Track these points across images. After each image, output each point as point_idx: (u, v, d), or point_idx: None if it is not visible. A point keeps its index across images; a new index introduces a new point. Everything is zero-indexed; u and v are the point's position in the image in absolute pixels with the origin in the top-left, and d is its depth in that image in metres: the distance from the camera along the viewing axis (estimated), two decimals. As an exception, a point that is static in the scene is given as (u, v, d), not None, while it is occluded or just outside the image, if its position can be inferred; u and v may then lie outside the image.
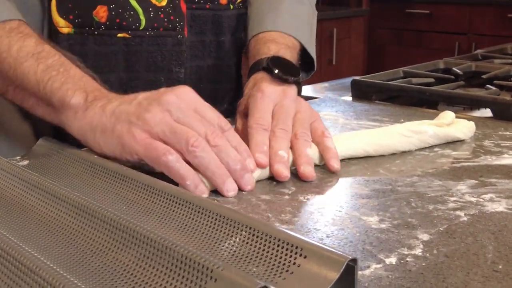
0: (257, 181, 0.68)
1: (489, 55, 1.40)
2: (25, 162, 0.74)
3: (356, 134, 0.80)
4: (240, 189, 0.65)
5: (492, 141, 0.84)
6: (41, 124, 0.79)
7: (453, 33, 3.43)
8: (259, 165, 0.69)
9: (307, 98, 1.17)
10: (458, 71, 1.21)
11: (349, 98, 1.13)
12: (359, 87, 1.13)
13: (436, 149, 0.81)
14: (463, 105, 1.06)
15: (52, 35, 0.83)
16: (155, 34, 0.87)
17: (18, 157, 0.76)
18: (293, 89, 0.81)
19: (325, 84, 1.30)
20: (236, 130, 0.78)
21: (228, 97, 1.01)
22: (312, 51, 0.98)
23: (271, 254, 0.48)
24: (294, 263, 0.46)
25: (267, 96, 0.77)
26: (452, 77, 1.19)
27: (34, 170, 0.68)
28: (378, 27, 3.66)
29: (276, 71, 0.81)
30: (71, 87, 0.70)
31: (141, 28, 0.86)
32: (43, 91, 0.71)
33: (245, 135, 0.73)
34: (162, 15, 0.87)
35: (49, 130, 0.81)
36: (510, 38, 2.66)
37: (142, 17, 0.86)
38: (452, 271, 0.50)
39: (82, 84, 0.71)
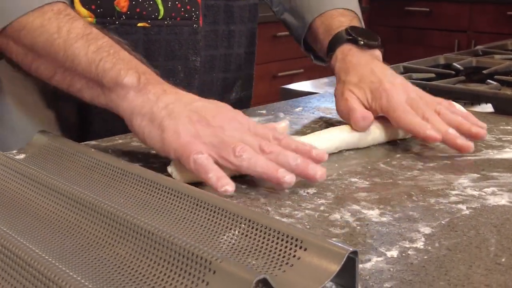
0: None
1: (490, 50, 1.39)
2: (22, 156, 0.73)
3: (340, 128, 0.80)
4: (310, 181, 0.64)
5: (493, 135, 0.84)
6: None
7: (453, 30, 3.42)
8: (433, 139, 0.73)
9: (307, 94, 1.16)
10: (458, 66, 1.20)
11: (349, 93, 1.12)
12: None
13: (437, 143, 0.80)
14: (464, 100, 1.05)
15: None
16: (172, 24, 0.89)
17: (14, 151, 0.75)
18: (377, 52, 0.87)
19: (325, 80, 1.30)
20: (348, 105, 0.80)
21: (236, 86, 1.03)
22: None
23: (271, 247, 0.47)
24: (294, 256, 0.45)
25: (396, 93, 0.79)
26: (453, 72, 1.18)
27: (31, 163, 0.67)
28: (378, 24, 3.65)
29: (360, 39, 0.86)
30: (123, 67, 0.70)
31: (159, 18, 0.88)
32: (95, 72, 0.71)
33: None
34: (179, 5, 0.89)
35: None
36: (509, 35, 2.65)
37: (160, 6, 0.87)
38: (454, 264, 0.49)
39: (133, 65, 0.71)
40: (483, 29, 3.32)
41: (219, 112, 0.66)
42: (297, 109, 0.99)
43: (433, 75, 1.15)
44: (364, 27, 0.96)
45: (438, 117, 0.77)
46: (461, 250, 0.51)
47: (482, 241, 0.53)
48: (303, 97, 1.11)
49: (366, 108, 0.80)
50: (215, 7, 0.95)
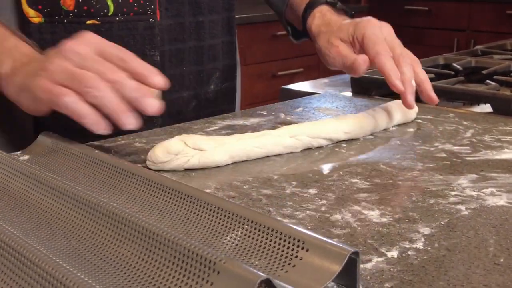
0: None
1: (489, 50, 1.40)
2: (26, 157, 0.74)
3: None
4: (145, 115, 0.68)
5: (492, 136, 0.84)
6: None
7: (452, 29, 3.43)
8: (399, 91, 0.82)
9: (307, 94, 1.17)
10: (457, 66, 1.21)
11: (349, 94, 1.13)
12: (359, 83, 1.12)
13: (436, 143, 0.81)
14: (463, 100, 1.06)
15: (24, 25, 0.85)
16: (125, 19, 0.88)
17: (18, 152, 0.76)
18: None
19: (325, 80, 1.30)
20: (334, 51, 0.89)
21: (214, 78, 1.02)
22: None
23: (273, 247, 0.48)
24: (297, 256, 0.46)
25: (379, 27, 0.88)
26: (452, 72, 1.19)
27: (35, 164, 0.68)
28: (377, 23, 3.67)
29: (338, 4, 0.96)
30: (3, 58, 0.74)
31: (110, 14, 0.87)
32: None
33: (346, 56, 0.87)
34: (131, 0, 0.88)
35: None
36: (509, 34, 2.66)
37: (110, 2, 0.87)
38: (453, 264, 0.50)
39: (13, 53, 0.75)
40: (482, 28, 3.32)
41: (65, 44, 0.69)
42: (298, 110, 1.00)
43: (432, 75, 1.15)
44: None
45: (408, 65, 0.85)
46: (460, 251, 0.52)
47: (481, 241, 0.54)
48: (303, 97, 1.12)
49: (352, 45, 0.89)
50: (179, 0, 0.94)
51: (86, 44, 0.69)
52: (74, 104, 0.66)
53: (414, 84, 0.85)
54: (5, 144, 0.88)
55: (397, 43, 0.87)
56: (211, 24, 0.99)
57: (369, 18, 0.90)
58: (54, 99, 0.67)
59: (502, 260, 0.50)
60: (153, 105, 0.67)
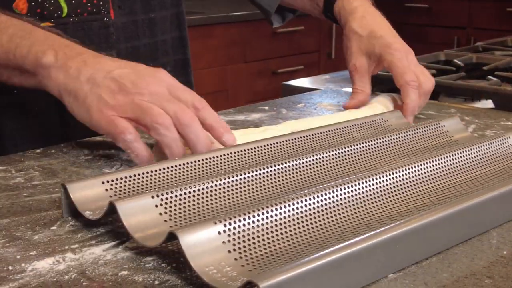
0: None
1: (490, 47, 1.40)
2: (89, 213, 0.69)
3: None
4: None
5: (494, 131, 0.84)
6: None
7: (452, 27, 3.43)
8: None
9: (308, 90, 1.17)
10: (459, 62, 1.21)
11: (350, 90, 1.13)
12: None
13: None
14: (464, 96, 1.06)
15: None
16: (79, 20, 0.87)
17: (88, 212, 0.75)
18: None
19: (326, 76, 1.30)
20: (354, 61, 0.93)
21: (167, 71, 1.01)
22: None
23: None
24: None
25: (405, 54, 0.90)
26: (453, 68, 1.19)
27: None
28: (377, 21, 3.67)
29: None
30: (39, 48, 0.71)
31: (63, 16, 0.86)
32: (14, 60, 0.72)
33: (362, 70, 0.92)
34: (84, 0, 0.87)
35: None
36: (509, 32, 2.66)
37: (63, 4, 0.86)
38: (457, 256, 0.50)
39: (50, 43, 0.72)
40: (482, 25, 3.32)
41: (138, 77, 0.67)
42: (299, 105, 1.00)
43: (434, 71, 1.16)
44: None
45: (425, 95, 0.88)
46: (463, 243, 0.52)
47: (483, 234, 0.54)
48: (305, 93, 1.12)
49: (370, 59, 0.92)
50: None
51: (160, 84, 0.67)
52: (131, 143, 0.65)
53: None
54: (30, 139, 0.87)
55: (419, 70, 0.89)
56: (162, 20, 0.99)
57: (395, 42, 0.92)
58: (112, 131, 0.66)
59: (505, 252, 0.51)
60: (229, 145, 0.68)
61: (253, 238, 0.46)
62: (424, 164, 0.60)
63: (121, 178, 0.59)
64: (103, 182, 0.58)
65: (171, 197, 0.53)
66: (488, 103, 1.01)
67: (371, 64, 0.93)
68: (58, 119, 0.86)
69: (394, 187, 0.56)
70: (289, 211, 0.49)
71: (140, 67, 0.70)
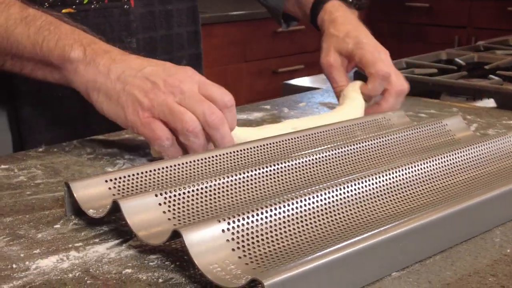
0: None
1: (491, 46, 1.40)
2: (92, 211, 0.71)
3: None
4: None
5: (496, 130, 0.84)
6: None
7: (453, 26, 3.42)
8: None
9: (309, 89, 1.17)
10: (460, 61, 1.21)
11: (352, 89, 1.13)
12: (362, 78, 1.12)
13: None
14: (466, 95, 1.06)
15: None
16: (100, 7, 0.88)
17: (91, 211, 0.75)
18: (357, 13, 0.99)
19: (328, 75, 1.30)
20: (328, 58, 0.91)
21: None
22: None
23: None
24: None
25: (378, 52, 0.89)
26: (455, 67, 1.19)
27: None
28: (378, 20, 3.66)
29: None
30: (67, 42, 0.71)
31: (85, 2, 0.87)
32: (40, 53, 0.72)
33: (335, 67, 0.90)
34: None
35: None
36: (509, 31, 2.66)
37: None
38: (460, 254, 0.50)
39: (76, 37, 0.72)
40: (483, 25, 3.32)
41: (169, 75, 0.68)
42: (301, 104, 1.00)
43: (435, 70, 1.16)
44: None
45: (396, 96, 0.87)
46: (467, 241, 0.52)
47: (487, 232, 0.54)
48: (306, 92, 1.12)
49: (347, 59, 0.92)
50: None
51: (189, 82, 0.67)
52: (169, 148, 0.66)
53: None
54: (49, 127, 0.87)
55: (393, 70, 0.88)
56: (178, 12, 1.00)
57: (369, 41, 0.91)
58: (150, 135, 0.66)
59: (508, 250, 0.51)
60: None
61: (257, 236, 0.47)
62: (427, 162, 0.60)
63: (124, 177, 0.59)
64: (106, 181, 0.58)
65: (175, 195, 0.53)
66: (490, 102, 1.01)
67: (343, 60, 0.92)
68: (81, 109, 0.86)
69: (397, 185, 0.56)
70: (292, 209, 0.49)
71: (169, 64, 0.70)
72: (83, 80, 0.70)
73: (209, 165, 0.64)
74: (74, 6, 0.86)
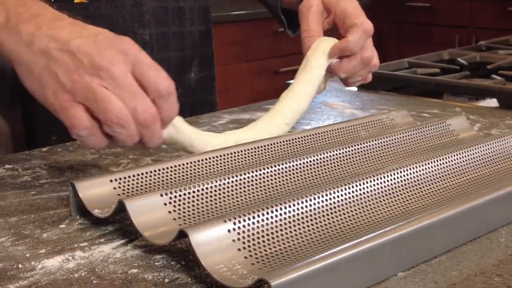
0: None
1: (493, 46, 1.40)
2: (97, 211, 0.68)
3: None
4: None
5: (499, 130, 0.84)
6: None
7: (454, 26, 3.42)
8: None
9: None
10: (463, 61, 1.21)
11: (355, 88, 1.13)
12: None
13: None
14: (469, 95, 1.06)
15: None
16: None
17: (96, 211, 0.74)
18: None
19: (330, 75, 1.30)
20: (307, 5, 0.84)
21: (193, 65, 1.02)
22: None
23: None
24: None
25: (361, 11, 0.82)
26: (457, 67, 1.19)
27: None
28: (379, 20, 3.66)
29: None
30: None
31: None
32: None
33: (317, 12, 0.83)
34: None
35: None
36: (510, 31, 2.66)
37: None
38: (466, 254, 0.50)
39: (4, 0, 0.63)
40: (483, 25, 3.32)
41: (99, 51, 0.59)
42: (304, 104, 1.00)
43: (438, 70, 1.16)
44: None
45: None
46: (472, 241, 0.52)
47: (492, 232, 0.54)
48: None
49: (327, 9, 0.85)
50: None
51: (122, 61, 0.59)
52: (87, 139, 0.59)
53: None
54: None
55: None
56: (191, 10, 1.00)
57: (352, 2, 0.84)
58: (67, 121, 0.59)
59: (514, 250, 0.51)
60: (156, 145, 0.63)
61: (263, 236, 0.47)
62: (431, 162, 0.60)
63: (129, 177, 0.59)
64: (111, 181, 0.58)
65: (180, 195, 0.53)
66: (492, 102, 1.01)
67: (323, 12, 0.85)
68: None
69: (402, 185, 0.56)
70: (298, 209, 0.49)
71: (102, 36, 0.61)
72: (6, 50, 0.61)
73: (214, 164, 0.64)
74: None
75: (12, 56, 0.62)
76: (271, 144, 0.69)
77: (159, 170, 0.61)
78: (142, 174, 0.59)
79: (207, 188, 0.55)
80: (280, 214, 0.48)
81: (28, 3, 0.63)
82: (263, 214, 0.48)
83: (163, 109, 0.60)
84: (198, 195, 0.54)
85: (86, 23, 0.63)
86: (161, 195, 0.52)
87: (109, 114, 0.57)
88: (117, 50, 0.60)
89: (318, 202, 0.51)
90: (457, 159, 0.62)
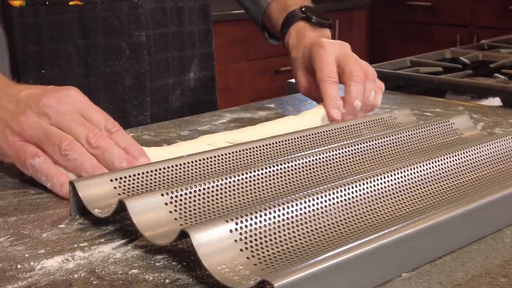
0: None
1: (495, 45, 1.39)
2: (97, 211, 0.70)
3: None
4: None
5: (503, 129, 0.84)
6: None
7: (455, 25, 3.42)
8: (334, 120, 0.77)
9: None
10: (465, 60, 1.21)
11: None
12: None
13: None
14: (472, 94, 1.05)
15: (4, 9, 0.82)
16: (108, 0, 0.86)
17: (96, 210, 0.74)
18: (329, 32, 0.92)
19: (331, 74, 1.29)
20: (299, 83, 0.87)
21: (193, 65, 1.01)
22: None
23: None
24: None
25: (329, 51, 0.81)
26: (460, 66, 1.18)
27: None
28: (380, 19, 3.65)
29: (314, 18, 0.91)
30: None
31: None
32: None
33: (311, 88, 0.84)
34: None
35: None
36: (511, 30, 2.65)
37: None
38: (471, 255, 0.49)
39: None
40: (485, 23, 3.31)
41: (44, 95, 0.62)
42: (306, 103, 1.00)
43: (440, 69, 1.15)
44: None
45: (359, 84, 0.78)
46: (477, 241, 0.51)
47: (497, 232, 0.53)
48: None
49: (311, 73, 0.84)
50: None
51: (69, 101, 0.62)
52: (42, 165, 0.60)
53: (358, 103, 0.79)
54: None
55: (351, 59, 0.81)
56: (190, 10, 0.99)
57: (323, 41, 0.84)
58: (21, 158, 0.61)
59: (519, 251, 0.50)
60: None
61: (265, 236, 0.46)
62: (435, 162, 0.59)
63: (130, 176, 0.58)
64: (111, 180, 0.57)
65: (181, 195, 0.52)
66: (495, 101, 1.01)
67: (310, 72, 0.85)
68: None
69: (406, 185, 0.56)
70: (301, 209, 0.49)
71: (51, 87, 0.64)
72: None
73: (215, 164, 0.63)
74: None
75: None
76: (273, 143, 0.68)
77: (160, 169, 0.60)
78: (143, 173, 0.59)
79: (208, 188, 0.54)
80: (283, 214, 0.48)
81: None
82: (265, 214, 0.47)
83: (116, 140, 0.62)
84: (199, 195, 0.53)
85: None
86: (162, 195, 0.52)
87: (62, 144, 0.59)
88: (63, 95, 0.62)
89: (321, 202, 0.50)
90: (461, 158, 0.62)
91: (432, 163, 0.59)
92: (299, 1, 0.97)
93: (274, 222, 0.47)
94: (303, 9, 0.93)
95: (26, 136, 0.61)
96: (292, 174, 0.60)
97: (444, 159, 0.60)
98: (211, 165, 0.63)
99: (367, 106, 0.81)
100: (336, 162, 0.64)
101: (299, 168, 0.61)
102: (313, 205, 0.49)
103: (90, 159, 0.60)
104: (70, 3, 0.84)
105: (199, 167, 0.62)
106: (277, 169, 0.59)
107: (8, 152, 0.62)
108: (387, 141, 0.69)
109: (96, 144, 0.60)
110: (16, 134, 0.61)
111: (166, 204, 0.51)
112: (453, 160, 0.61)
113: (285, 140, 0.70)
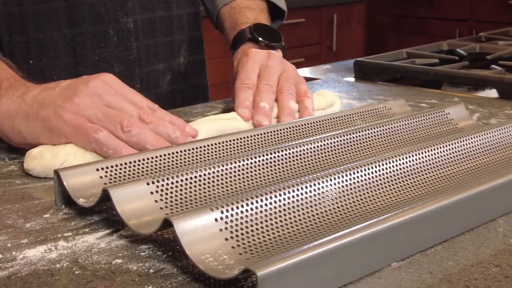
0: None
1: (493, 37, 1.38)
2: (82, 200, 0.71)
3: None
4: None
5: (498, 120, 0.83)
6: None
7: (454, 19, 3.40)
8: (243, 119, 0.73)
9: (309, 80, 1.15)
10: (462, 52, 1.19)
11: (352, 79, 1.11)
12: (362, 68, 1.11)
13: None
14: (468, 85, 1.04)
15: None
16: None
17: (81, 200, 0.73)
18: (278, 52, 0.86)
19: (327, 66, 1.28)
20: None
21: (182, 50, 1.00)
22: (282, 3, 1.03)
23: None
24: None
25: (252, 58, 0.79)
26: (456, 58, 1.17)
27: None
28: (378, 13, 3.63)
29: (261, 39, 0.87)
30: None
31: None
32: None
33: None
34: None
35: None
36: (510, 24, 2.64)
37: None
38: (463, 244, 0.48)
39: None
40: (484, 18, 3.30)
41: (88, 80, 0.65)
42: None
43: (436, 60, 1.14)
44: (284, 8, 1.04)
45: (264, 92, 0.75)
46: (469, 231, 0.50)
47: (490, 222, 0.52)
48: (306, 82, 1.10)
49: None
50: None
51: (113, 85, 0.65)
52: (107, 139, 0.61)
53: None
54: None
55: (267, 70, 0.78)
56: None
57: (249, 50, 0.82)
58: (82, 134, 0.61)
59: (512, 240, 0.49)
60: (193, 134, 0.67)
61: (251, 225, 0.45)
62: (429, 151, 0.58)
63: (116, 165, 0.57)
64: (97, 169, 0.56)
65: (167, 184, 0.51)
66: (492, 93, 1.00)
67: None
68: None
69: (398, 174, 0.55)
70: (288, 198, 0.48)
71: (85, 76, 0.67)
72: None
73: (203, 153, 0.62)
74: None
75: (2, 117, 0.65)
76: (265, 133, 0.67)
77: (147, 159, 0.59)
78: (130, 163, 0.58)
79: (195, 177, 0.53)
80: (270, 203, 0.47)
81: (18, 77, 0.69)
82: (252, 203, 0.46)
83: (161, 116, 0.66)
84: (186, 184, 0.52)
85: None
86: (148, 184, 0.51)
87: (123, 121, 0.62)
88: (105, 78, 0.66)
89: (309, 191, 0.49)
90: (455, 148, 0.61)
91: (426, 152, 0.58)
92: (252, 14, 0.94)
93: (261, 211, 0.46)
94: (252, 28, 0.89)
95: (84, 115, 0.62)
96: (282, 163, 0.59)
97: (438, 148, 0.59)
98: (198, 155, 0.62)
99: (289, 110, 0.75)
100: (329, 151, 0.63)
101: (289, 157, 0.60)
102: (300, 194, 0.48)
103: (151, 133, 0.63)
104: None
105: (187, 157, 0.61)
106: (267, 159, 0.58)
107: (66, 131, 0.62)
108: (380, 130, 0.68)
109: (149, 120, 0.64)
110: (73, 113, 0.62)
111: (151, 193, 0.50)
112: (447, 150, 0.60)
113: (278, 130, 0.69)
